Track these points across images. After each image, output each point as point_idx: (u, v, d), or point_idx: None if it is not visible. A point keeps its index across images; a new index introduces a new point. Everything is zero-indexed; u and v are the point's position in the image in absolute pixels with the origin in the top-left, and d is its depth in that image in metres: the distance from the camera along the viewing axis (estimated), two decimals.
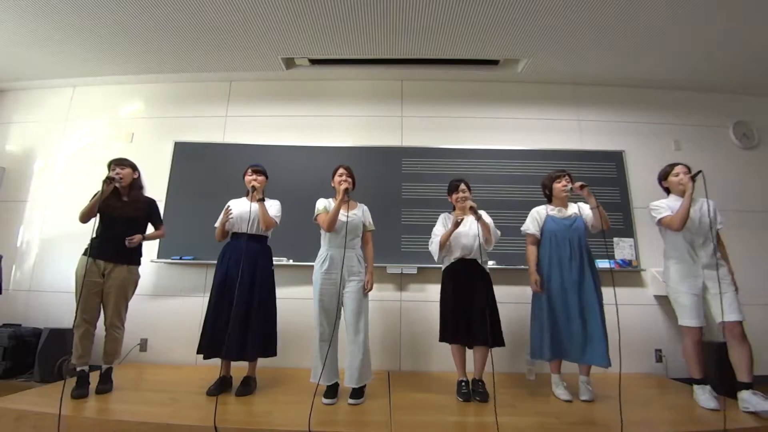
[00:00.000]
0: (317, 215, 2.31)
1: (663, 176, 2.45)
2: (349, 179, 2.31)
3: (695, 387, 2.21)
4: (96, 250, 2.18)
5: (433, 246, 2.39)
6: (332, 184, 2.35)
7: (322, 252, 2.30)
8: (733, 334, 2.09)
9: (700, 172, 2.18)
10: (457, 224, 2.26)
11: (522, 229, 2.51)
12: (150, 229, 2.47)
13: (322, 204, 2.33)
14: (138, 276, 2.36)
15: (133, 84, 3.72)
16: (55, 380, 2.64)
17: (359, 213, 2.34)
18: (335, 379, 2.19)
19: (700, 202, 2.28)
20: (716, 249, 2.20)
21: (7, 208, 3.51)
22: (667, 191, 2.44)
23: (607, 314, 2.24)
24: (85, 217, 2.19)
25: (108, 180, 2.17)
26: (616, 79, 3.58)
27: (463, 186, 2.40)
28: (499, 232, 2.37)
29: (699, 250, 2.23)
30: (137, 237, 2.29)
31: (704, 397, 2.13)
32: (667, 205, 2.33)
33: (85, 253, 2.22)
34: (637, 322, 3.12)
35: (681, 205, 2.23)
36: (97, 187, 2.23)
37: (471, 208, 2.24)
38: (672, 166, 2.41)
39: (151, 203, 2.44)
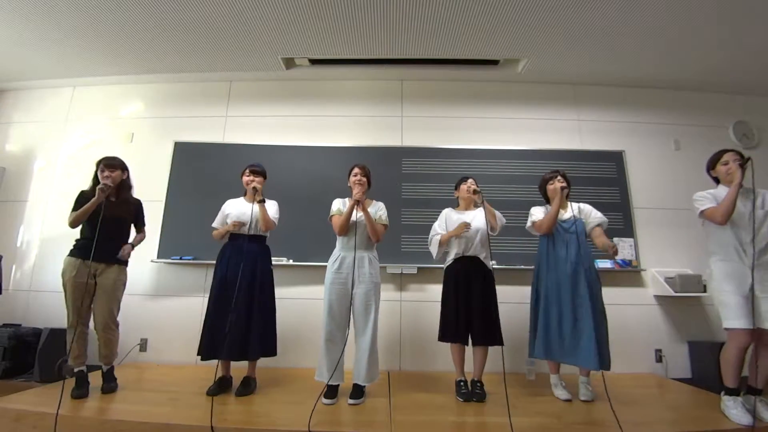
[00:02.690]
0: (331, 216, 2.32)
1: (711, 164, 2.19)
2: (364, 179, 2.31)
3: (724, 398, 1.98)
4: (86, 251, 2.15)
5: (432, 245, 2.40)
6: (348, 184, 2.35)
7: (335, 252, 2.30)
8: (765, 341, 1.94)
9: (749, 159, 1.98)
10: (462, 229, 2.26)
11: (529, 224, 2.45)
12: (133, 231, 2.45)
13: (336, 205, 2.33)
14: (126, 276, 2.34)
15: (133, 84, 3.72)
16: (55, 380, 2.63)
17: (372, 211, 2.31)
18: (339, 381, 2.19)
19: (751, 195, 2.04)
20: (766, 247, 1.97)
21: (7, 208, 3.51)
22: (717, 181, 2.20)
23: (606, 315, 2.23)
24: (76, 224, 2.20)
25: (104, 187, 2.13)
26: (616, 79, 3.57)
27: (471, 180, 2.42)
28: (504, 219, 2.37)
29: (748, 248, 1.99)
30: (128, 247, 2.31)
31: (736, 411, 1.89)
32: (712, 196, 2.11)
33: (70, 254, 2.21)
34: (637, 322, 3.12)
35: (725, 196, 2.01)
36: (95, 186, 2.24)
37: (475, 191, 2.27)
38: (721, 152, 2.15)
39: (138, 204, 2.43)
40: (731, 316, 1.94)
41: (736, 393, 1.94)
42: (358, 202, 2.20)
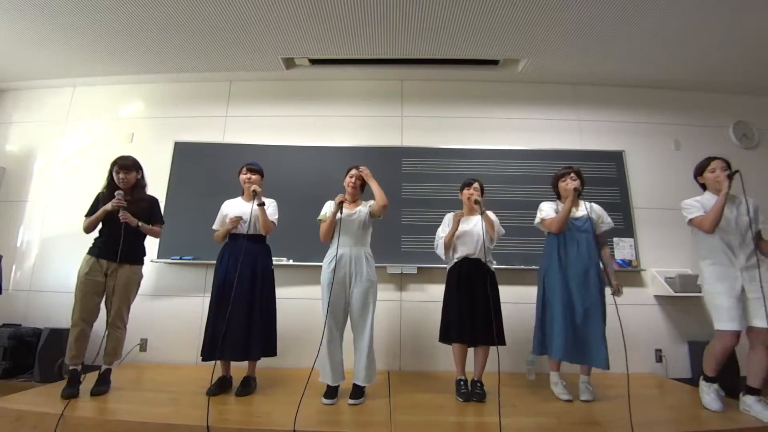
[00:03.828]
0: (319, 220, 2.32)
1: (699, 171, 2.26)
2: (359, 181, 2.32)
3: (702, 383, 2.15)
4: (100, 249, 2.19)
5: (439, 249, 2.40)
6: (344, 184, 2.36)
7: (330, 251, 2.29)
8: (760, 340, 1.99)
9: (737, 171, 2.06)
10: (458, 222, 2.27)
11: (538, 220, 2.42)
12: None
13: (325, 209, 2.33)
14: (141, 276, 2.36)
15: (133, 84, 3.72)
16: (55, 380, 2.64)
17: (365, 210, 2.31)
18: (340, 380, 2.19)
19: (736, 201, 2.12)
20: (756, 250, 2.07)
21: (7, 208, 3.51)
22: (703, 187, 2.26)
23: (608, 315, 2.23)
24: (89, 230, 2.24)
25: (115, 205, 2.14)
26: (616, 79, 3.58)
27: (476, 185, 2.40)
28: (503, 230, 2.36)
29: (736, 252, 2.07)
30: (127, 214, 2.17)
31: (709, 397, 2.08)
32: (700, 204, 2.16)
33: (88, 252, 2.23)
34: (637, 322, 3.12)
35: (713, 206, 2.06)
36: (98, 186, 2.31)
37: (476, 201, 2.27)
38: (709, 160, 2.20)
39: (153, 201, 2.44)
40: (723, 319, 2.02)
41: (713, 381, 2.11)
42: (341, 203, 2.21)
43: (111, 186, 2.28)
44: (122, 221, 2.17)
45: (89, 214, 2.27)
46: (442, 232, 2.42)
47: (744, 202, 2.10)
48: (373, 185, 2.27)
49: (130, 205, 2.25)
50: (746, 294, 2.02)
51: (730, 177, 2.08)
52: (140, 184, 2.39)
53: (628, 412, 2.04)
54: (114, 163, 2.30)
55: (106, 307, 2.23)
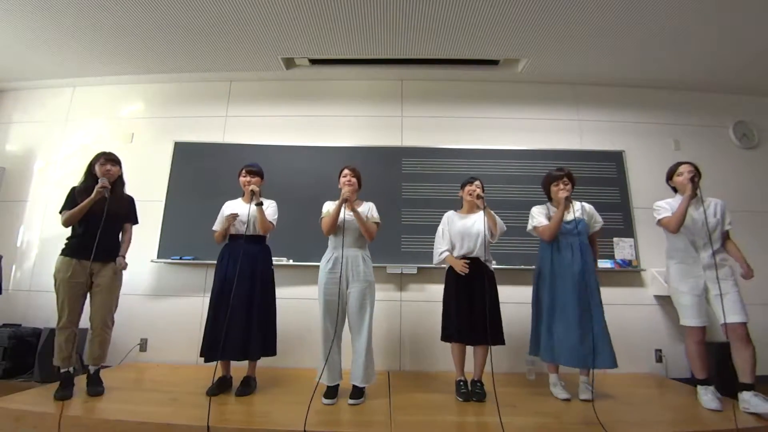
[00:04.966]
0: (322, 218, 2.31)
1: (669, 175, 2.42)
2: (354, 179, 2.31)
3: (698, 387, 2.20)
4: (79, 249, 2.14)
5: (437, 256, 2.38)
6: (339, 186, 2.35)
7: (328, 252, 2.30)
8: (736, 335, 2.06)
9: (695, 176, 2.23)
10: (462, 269, 2.24)
11: (530, 227, 2.44)
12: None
13: (326, 208, 2.33)
14: (122, 273, 2.33)
15: (133, 84, 3.72)
16: (55, 380, 2.63)
17: (364, 210, 2.31)
18: (338, 380, 2.19)
19: (706, 203, 2.24)
20: (717, 250, 2.19)
21: (7, 208, 3.51)
22: (675, 190, 2.42)
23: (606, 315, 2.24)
24: (69, 223, 2.19)
25: (102, 190, 2.13)
26: (616, 79, 3.57)
27: (478, 182, 2.39)
28: (505, 227, 2.35)
29: (700, 251, 2.22)
30: (121, 260, 2.29)
31: (707, 397, 2.11)
32: (669, 206, 2.32)
33: (63, 254, 2.19)
34: (637, 322, 3.12)
35: (677, 209, 2.23)
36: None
37: (478, 196, 2.26)
38: (678, 164, 2.37)
39: (132, 201, 2.44)
40: (687, 315, 2.22)
41: (707, 383, 2.17)
42: (345, 201, 2.19)
43: (90, 180, 2.25)
44: (120, 269, 2.22)
45: (65, 208, 2.21)
46: (443, 235, 2.39)
47: (710, 204, 2.26)
48: (358, 218, 2.21)
49: (112, 201, 2.23)
50: (710, 292, 2.18)
51: (692, 181, 2.22)
52: (122, 180, 2.38)
53: (627, 412, 2.05)
54: (99, 156, 2.29)
55: (92, 308, 2.19)
